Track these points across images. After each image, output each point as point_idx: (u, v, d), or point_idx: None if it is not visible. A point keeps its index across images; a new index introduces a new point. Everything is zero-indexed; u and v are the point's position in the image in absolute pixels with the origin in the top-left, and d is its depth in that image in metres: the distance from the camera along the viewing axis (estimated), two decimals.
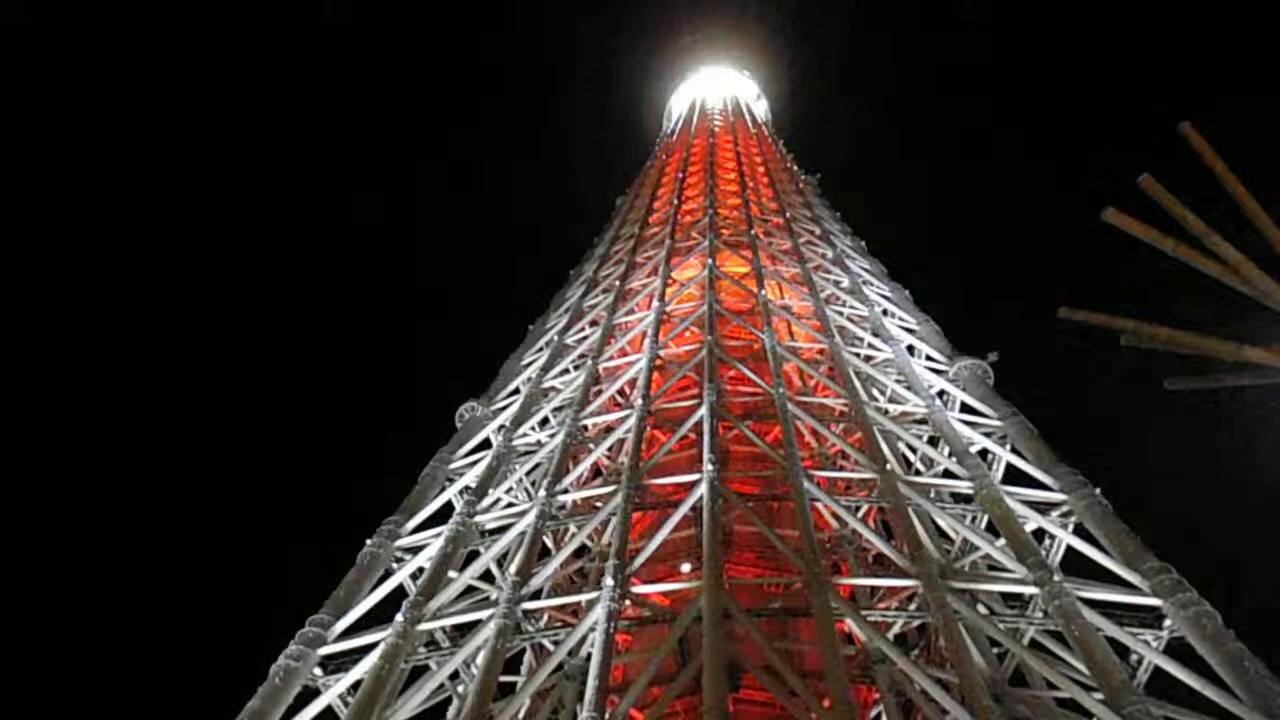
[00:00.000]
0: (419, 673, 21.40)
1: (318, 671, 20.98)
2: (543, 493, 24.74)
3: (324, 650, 21.17)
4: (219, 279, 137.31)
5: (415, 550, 24.87)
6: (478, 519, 25.25)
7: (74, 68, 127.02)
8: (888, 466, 24.39)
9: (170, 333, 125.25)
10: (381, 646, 20.39)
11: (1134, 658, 18.75)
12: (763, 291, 35.00)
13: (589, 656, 19.01)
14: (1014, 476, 24.71)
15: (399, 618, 21.09)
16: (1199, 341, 8.26)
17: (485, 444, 30.48)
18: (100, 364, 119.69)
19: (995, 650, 21.75)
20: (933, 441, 27.14)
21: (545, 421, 30.65)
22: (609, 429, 28.65)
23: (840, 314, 34.64)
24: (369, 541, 24.97)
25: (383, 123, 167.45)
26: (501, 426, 30.73)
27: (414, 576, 23.86)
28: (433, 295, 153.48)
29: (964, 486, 24.07)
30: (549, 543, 26.07)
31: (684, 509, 22.59)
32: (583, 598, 22.25)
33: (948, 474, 25.29)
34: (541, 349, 36.94)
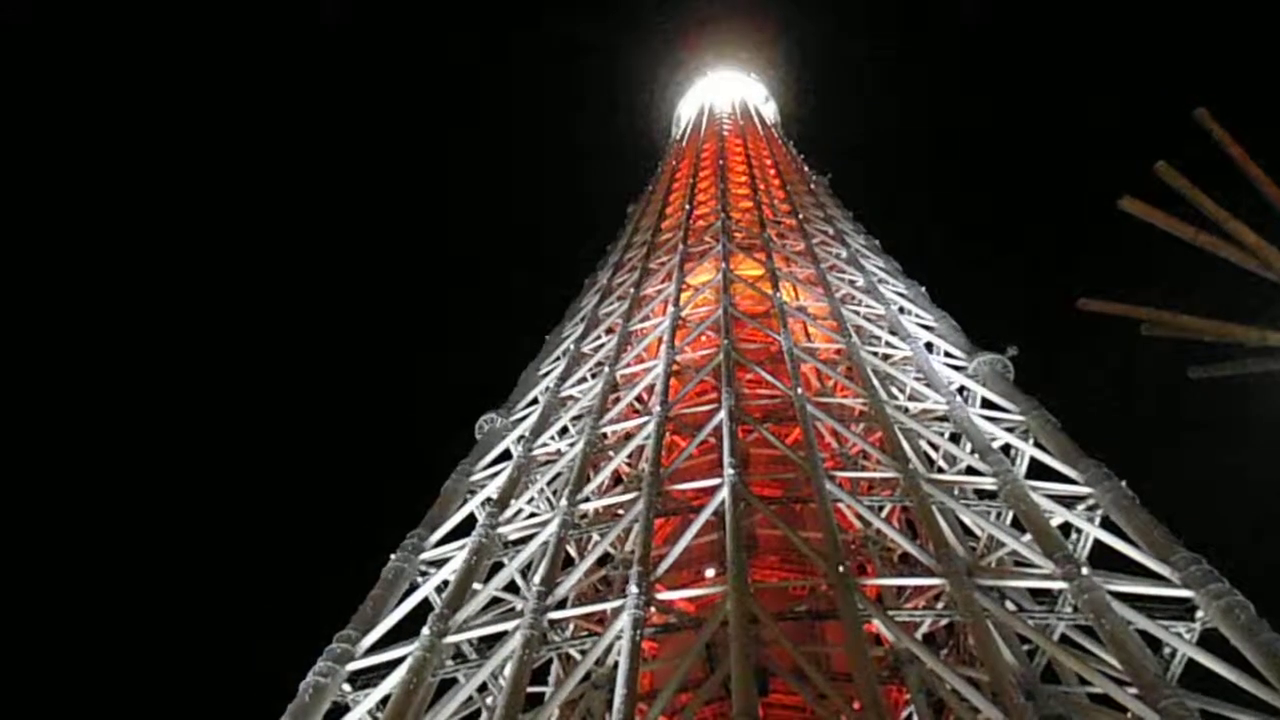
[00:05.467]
0: (447, 685, 21.43)
1: (346, 687, 21.08)
2: (564, 502, 24.77)
3: (352, 666, 21.27)
4: (225, 284, 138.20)
5: (439, 563, 24.95)
6: (500, 530, 25.30)
7: (74, 68, 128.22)
8: (910, 465, 24.26)
9: (185, 343, 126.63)
10: (409, 660, 20.47)
11: (1167, 650, 18.54)
12: (778, 293, 34.91)
13: (616, 665, 18.98)
14: (1038, 471, 24.50)
15: (425, 631, 21.17)
16: (1221, 328, 8.16)
17: (506, 455, 30.57)
18: (109, 373, 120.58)
19: (1025, 647, 21.57)
20: (954, 438, 26.96)
21: (565, 430, 30.70)
22: (628, 436, 28.63)
23: (857, 313, 34.51)
24: (393, 556, 25.07)
25: (382, 125, 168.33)
26: (521, 437, 30.80)
27: (439, 590, 23.92)
28: (450, 307, 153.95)
29: (988, 483, 23.89)
30: (572, 552, 26.08)
31: (706, 514, 22.53)
32: (608, 606, 22.18)
33: (971, 470, 25.12)
34: (559, 358, 37.02)
